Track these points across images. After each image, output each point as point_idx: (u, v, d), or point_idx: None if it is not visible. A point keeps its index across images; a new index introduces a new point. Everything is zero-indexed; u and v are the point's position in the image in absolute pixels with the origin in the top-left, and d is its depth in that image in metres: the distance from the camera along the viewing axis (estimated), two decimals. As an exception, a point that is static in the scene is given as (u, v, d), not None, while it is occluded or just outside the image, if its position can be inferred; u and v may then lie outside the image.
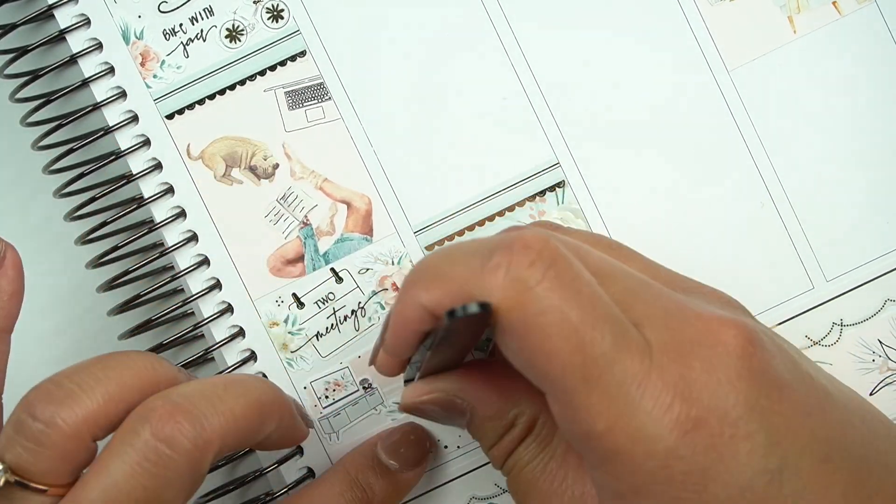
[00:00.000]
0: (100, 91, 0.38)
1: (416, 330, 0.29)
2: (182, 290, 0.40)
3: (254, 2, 0.38)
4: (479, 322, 0.28)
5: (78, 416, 0.29)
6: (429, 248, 0.38)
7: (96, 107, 0.38)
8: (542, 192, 0.38)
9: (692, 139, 0.38)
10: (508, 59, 0.38)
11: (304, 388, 0.38)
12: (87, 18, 0.38)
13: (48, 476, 0.29)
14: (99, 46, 0.38)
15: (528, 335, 0.27)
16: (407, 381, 0.34)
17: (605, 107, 0.38)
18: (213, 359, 0.39)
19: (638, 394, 0.27)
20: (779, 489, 0.27)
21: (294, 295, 0.38)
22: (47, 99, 0.38)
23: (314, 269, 0.38)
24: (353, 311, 0.38)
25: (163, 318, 0.39)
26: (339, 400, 0.38)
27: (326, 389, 0.38)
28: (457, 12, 0.38)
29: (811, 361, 0.31)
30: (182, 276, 0.38)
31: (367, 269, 0.38)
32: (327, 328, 0.38)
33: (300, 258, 0.38)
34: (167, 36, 0.38)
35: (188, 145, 0.38)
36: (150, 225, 0.38)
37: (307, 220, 0.38)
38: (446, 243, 0.38)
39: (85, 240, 0.39)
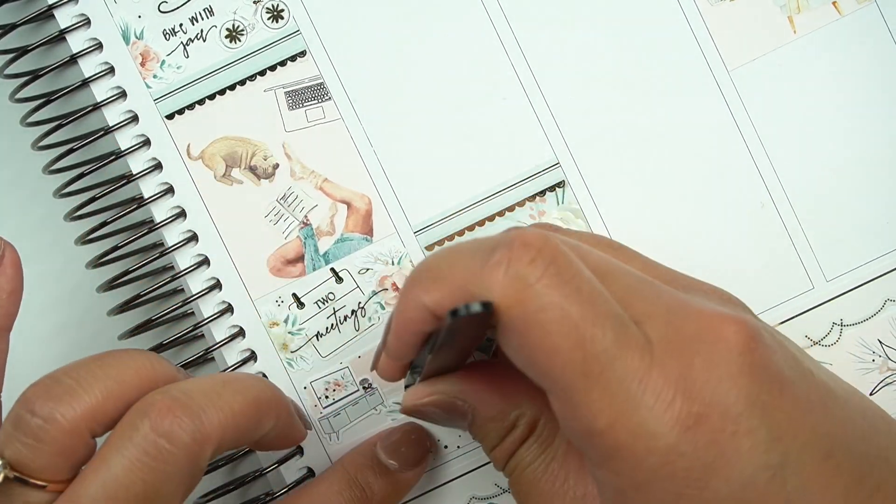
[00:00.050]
0: (100, 91, 0.38)
1: (418, 331, 0.29)
2: (182, 290, 0.40)
3: (254, 2, 0.38)
4: (480, 321, 0.28)
5: (76, 412, 0.29)
6: (429, 248, 0.38)
7: (96, 107, 0.38)
8: (542, 192, 0.38)
9: (692, 139, 0.38)
10: (508, 59, 0.38)
11: (305, 388, 0.38)
12: (87, 18, 0.38)
13: (47, 472, 0.29)
14: (99, 46, 0.38)
15: (528, 332, 0.27)
16: (407, 387, 0.34)
17: (605, 107, 0.38)
18: (213, 359, 0.39)
19: (639, 390, 0.27)
20: (781, 485, 0.27)
21: (294, 295, 0.38)
22: (47, 99, 0.38)
23: (314, 270, 0.38)
24: (353, 312, 0.38)
25: (163, 318, 0.39)
26: (340, 400, 0.38)
27: (326, 389, 0.38)
28: (457, 12, 0.38)
29: (812, 358, 0.31)
30: (182, 276, 0.38)
31: (368, 270, 0.38)
32: (327, 328, 0.38)
33: (300, 258, 0.38)
34: (167, 36, 0.38)
35: (188, 145, 0.38)
36: (150, 225, 0.38)
37: (307, 220, 0.38)
38: (446, 243, 0.38)
39: (85, 240, 0.39)
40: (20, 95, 0.39)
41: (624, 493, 0.27)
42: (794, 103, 0.38)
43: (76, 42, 0.38)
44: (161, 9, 0.38)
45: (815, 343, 0.38)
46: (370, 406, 0.38)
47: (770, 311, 0.38)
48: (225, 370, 0.38)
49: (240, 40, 0.38)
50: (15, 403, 0.30)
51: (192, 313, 0.40)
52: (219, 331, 0.38)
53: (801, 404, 0.28)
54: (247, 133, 0.38)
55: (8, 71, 0.39)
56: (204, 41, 0.38)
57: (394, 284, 0.38)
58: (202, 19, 0.38)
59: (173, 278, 0.38)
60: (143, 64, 0.38)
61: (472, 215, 0.38)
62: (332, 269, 0.38)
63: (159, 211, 0.38)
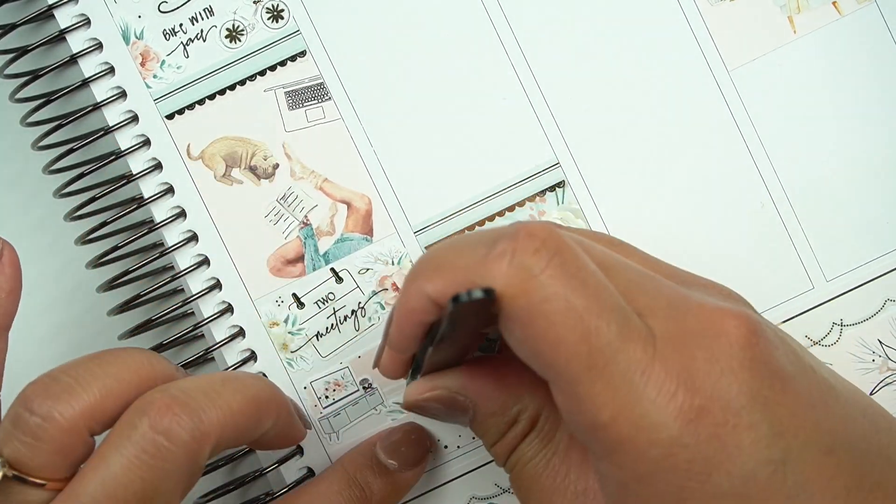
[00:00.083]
0: (100, 91, 0.38)
1: (420, 321, 0.29)
2: (182, 290, 0.40)
3: (254, 2, 0.38)
4: (482, 309, 0.27)
5: (75, 410, 0.29)
6: (429, 248, 0.38)
7: (96, 107, 0.38)
8: (542, 192, 0.38)
9: (692, 139, 0.38)
10: (508, 59, 0.38)
11: (305, 388, 0.38)
12: (87, 18, 0.38)
13: (46, 470, 0.29)
14: (99, 46, 0.38)
15: (532, 323, 0.27)
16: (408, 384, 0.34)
17: (605, 107, 0.38)
18: (213, 359, 0.39)
19: (642, 382, 0.27)
20: (782, 480, 0.27)
21: (294, 295, 0.38)
22: (47, 99, 0.38)
23: (314, 270, 0.38)
24: (353, 312, 0.38)
25: (163, 318, 0.39)
26: (340, 400, 0.38)
27: (326, 389, 0.38)
28: (457, 12, 0.38)
29: (813, 355, 0.31)
30: (182, 276, 0.38)
31: (368, 269, 0.38)
32: (327, 328, 0.38)
33: (300, 258, 0.38)
34: (167, 36, 0.38)
35: (188, 145, 0.38)
36: (150, 225, 0.38)
37: (307, 220, 0.38)
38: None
39: (85, 240, 0.39)
40: (20, 95, 0.39)
41: (626, 486, 0.27)
42: (794, 103, 0.38)
43: (76, 42, 0.38)
44: (161, 9, 0.38)
45: (816, 343, 0.38)
46: (370, 406, 0.38)
47: (770, 311, 0.38)
48: (225, 370, 0.38)
49: (240, 40, 0.38)
50: (13, 402, 0.30)
51: (192, 313, 0.40)
52: (219, 331, 0.38)
53: (802, 400, 0.28)
54: (247, 133, 0.38)
55: (8, 71, 0.39)
56: (204, 41, 0.38)
57: (394, 284, 0.38)
58: (202, 19, 0.38)
59: (173, 278, 0.38)
60: (143, 64, 0.38)
61: (472, 215, 0.38)
62: (332, 269, 0.38)
63: (159, 211, 0.38)
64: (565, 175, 0.38)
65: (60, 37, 0.38)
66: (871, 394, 0.38)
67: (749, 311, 0.29)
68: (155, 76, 0.38)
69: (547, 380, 0.28)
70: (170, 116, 0.38)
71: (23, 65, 0.39)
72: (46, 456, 0.29)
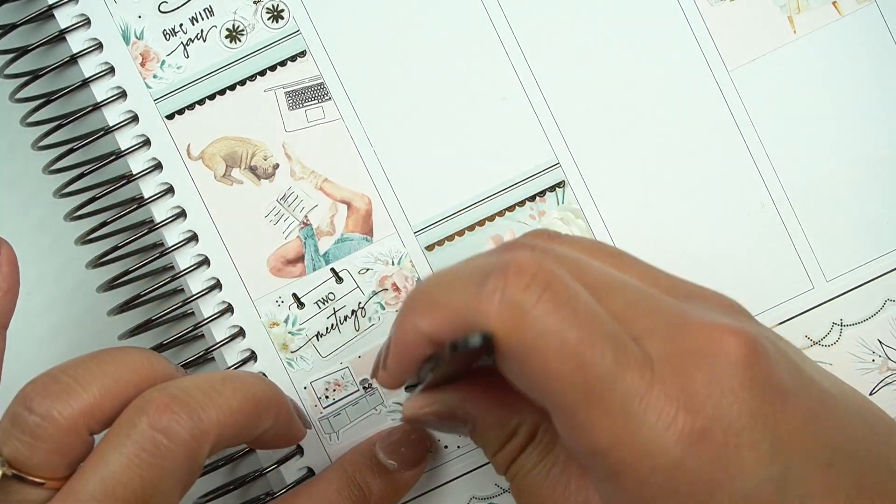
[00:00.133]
0: (100, 91, 0.38)
1: (416, 355, 0.29)
2: (182, 290, 0.40)
3: (254, 2, 0.38)
4: (481, 350, 0.28)
5: (74, 409, 0.29)
6: (429, 248, 0.38)
7: (96, 107, 0.38)
8: (542, 193, 0.38)
9: (692, 139, 0.38)
10: (508, 59, 0.38)
11: (305, 388, 0.38)
12: (87, 18, 0.38)
13: (45, 469, 0.29)
14: (99, 46, 0.38)
15: (527, 358, 0.27)
16: (408, 388, 0.34)
17: (605, 107, 0.38)
18: (213, 359, 0.39)
19: (641, 409, 0.26)
20: (783, 496, 0.27)
21: (294, 295, 0.38)
22: (47, 99, 0.38)
23: (314, 270, 0.38)
24: (353, 312, 0.38)
25: (163, 318, 0.39)
26: (340, 400, 0.38)
27: (326, 389, 0.38)
28: (457, 12, 0.38)
29: (812, 362, 0.31)
30: (182, 276, 0.38)
31: (368, 270, 0.38)
32: (327, 328, 0.38)
33: (300, 258, 0.38)
34: (167, 36, 0.38)
35: (188, 145, 0.38)
36: (150, 225, 0.38)
37: (307, 220, 0.38)
38: (446, 243, 0.38)
39: (85, 240, 0.39)
40: (20, 95, 0.39)
41: None
42: (794, 103, 0.38)
43: (76, 42, 0.38)
44: (161, 9, 0.38)
45: (815, 343, 0.38)
46: (370, 406, 0.38)
47: (770, 311, 0.38)
48: (225, 370, 0.38)
49: (240, 40, 0.38)
50: (12, 401, 0.30)
51: (192, 313, 0.40)
52: (219, 331, 0.38)
53: (802, 414, 0.28)
54: (247, 133, 0.38)
55: (8, 71, 0.39)
56: (204, 41, 0.38)
57: (394, 284, 0.38)
58: (202, 19, 0.38)
59: (173, 278, 0.38)
60: (143, 64, 0.38)
61: (472, 215, 0.38)
62: (333, 270, 0.38)
63: (159, 211, 0.38)
64: (565, 175, 0.38)
65: (60, 37, 0.38)
66: (870, 393, 0.38)
67: (748, 325, 0.29)
68: (155, 76, 0.38)
69: (546, 408, 0.28)
70: (170, 116, 0.38)
71: (23, 65, 0.39)
72: (45, 455, 0.29)
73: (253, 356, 0.38)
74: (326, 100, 0.38)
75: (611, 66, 0.38)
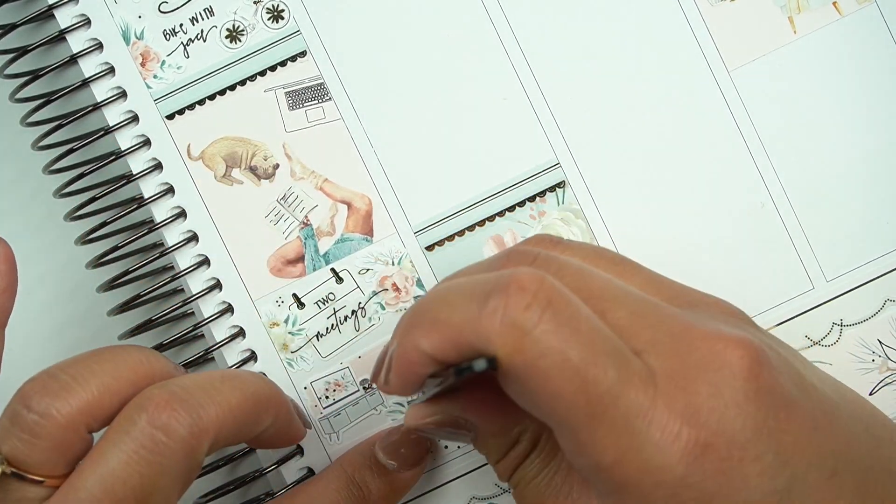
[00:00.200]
0: (100, 91, 0.38)
1: (419, 373, 0.29)
2: (182, 290, 0.40)
3: (254, 2, 0.38)
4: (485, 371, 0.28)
5: (73, 407, 0.29)
6: (429, 248, 0.38)
7: (96, 107, 0.38)
8: (543, 193, 0.38)
9: (692, 139, 0.38)
10: (508, 59, 0.38)
11: (305, 388, 0.38)
12: (88, 18, 0.38)
13: (44, 467, 0.29)
14: (99, 46, 0.38)
15: (530, 378, 0.27)
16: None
17: (605, 107, 0.38)
18: (213, 359, 0.39)
19: (644, 425, 0.26)
20: None
21: (294, 295, 0.38)
22: (47, 99, 0.38)
23: (314, 270, 0.38)
24: (353, 312, 0.38)
25: (163, 318, 0.39)
26: (340, 400, 0.38)
27: (327, 390, 0.38)
28: (457, 12, 0.38)
29: (814, 368, 0.31)
30: (182, 276, 0.38)
31: (368, 270, 0.38)
32: (327, 328, 0.38)
33: (300, 258, 0.38)
34: (167, 36, 0.38)
35: (188, 145, 0.38)
36: (150, 225, 0.38)
37: (307, 220, 0.38)
38: (446, 244, 0.38)
39: (85, 240, 0.39)
40: (20, 95, 0.39)
41: None
42: (794, 103, 0.38)
43: (76, 42, 0.38)
44: (161, 9, 0.38)
45: (815, 343, 0.38)
46: (370, 406, 0.38)
47: (770, 311, 0.38)
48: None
49: (240, 40, 0.38)
50: (12, 399, 0.30)
51: (192, 313, 0.40)
52: (219, 331, 0.38)
53: (806, 424, 0.28)
54: (247, 133, 0.38)
55: (8, 71, 0.39)
56: (204, 41, 0.38)
57: (394, 284, 0.38)
58: (202, 19, 0.38)
59: (173, 278, 0.38)
60: (143, 64, 0.38)
61: (472, 215, 0.38)
62: (333, 270, 0.38)
63: (159, 211, 0.38)
64: (566, 175, 0.38)
65: (60, 37, 0.38)
66: (870, 394, 0.38)
67: (751, 334, 0.29)
68: (155, 76, 0.38)
69: (549, 425, 0.28)
70: (170, 116, 0.38)
71: (23, 65, 0.39)
72: (44, 453, 0.29)
73: (253, 356, 0.38)
74: (326, 100, 0.38)
75: (611, 66, 0.38)
